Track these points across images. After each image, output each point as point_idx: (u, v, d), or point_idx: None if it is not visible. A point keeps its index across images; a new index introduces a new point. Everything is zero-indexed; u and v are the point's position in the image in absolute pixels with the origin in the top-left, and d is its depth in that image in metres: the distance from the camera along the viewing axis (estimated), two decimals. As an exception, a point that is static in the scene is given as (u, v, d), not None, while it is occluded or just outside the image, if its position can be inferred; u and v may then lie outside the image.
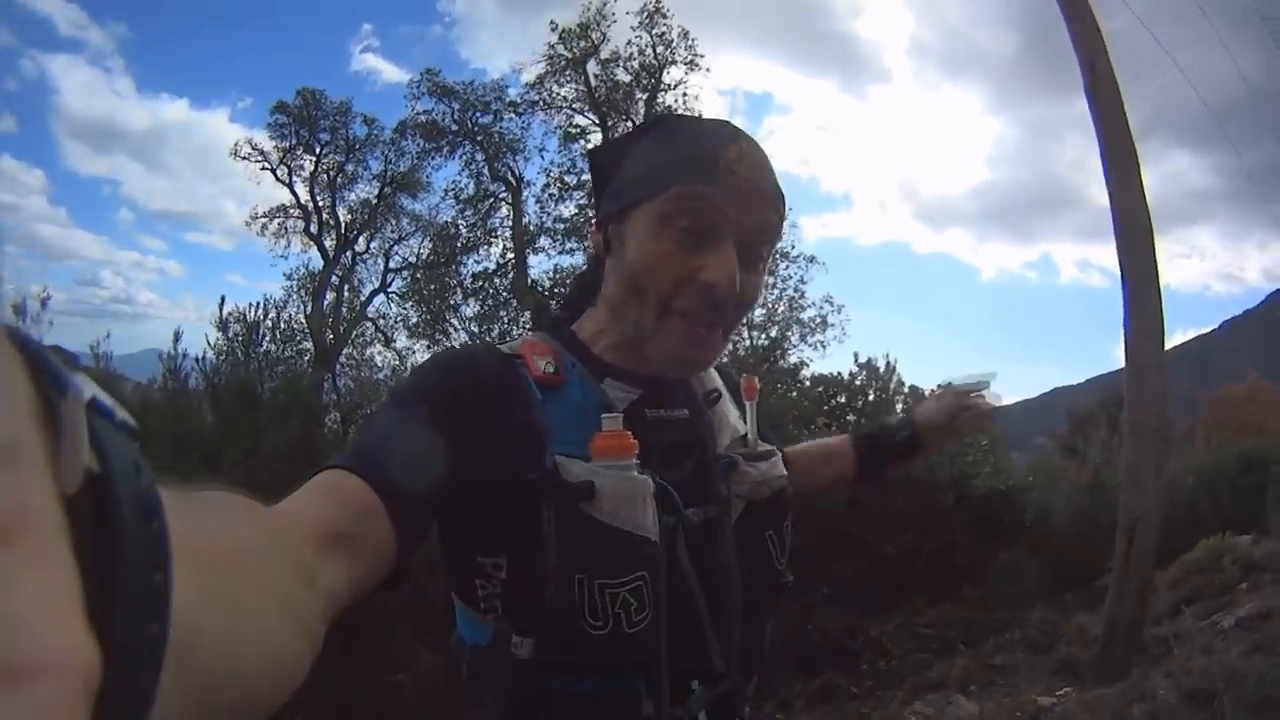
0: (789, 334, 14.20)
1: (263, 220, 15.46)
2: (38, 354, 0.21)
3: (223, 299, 6.24)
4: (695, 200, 0.79)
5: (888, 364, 8.90)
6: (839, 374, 8.90)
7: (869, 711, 5.01)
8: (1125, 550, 4.15)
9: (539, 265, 14.93)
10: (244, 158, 15.46)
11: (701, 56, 14.70)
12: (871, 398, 8.46)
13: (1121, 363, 4.43)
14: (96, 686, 0.19)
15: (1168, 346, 4.52)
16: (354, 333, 14.66)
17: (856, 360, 8.90)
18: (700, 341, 0.82)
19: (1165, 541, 4.36)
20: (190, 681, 0.27)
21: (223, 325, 6.04)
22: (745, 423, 0.93)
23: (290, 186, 15.52)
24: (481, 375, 0.80)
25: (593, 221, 0.93)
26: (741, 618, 0.82)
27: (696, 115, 0.89)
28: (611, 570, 0.72)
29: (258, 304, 6.41)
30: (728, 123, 0.85)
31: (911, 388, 8.91)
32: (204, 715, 0.30)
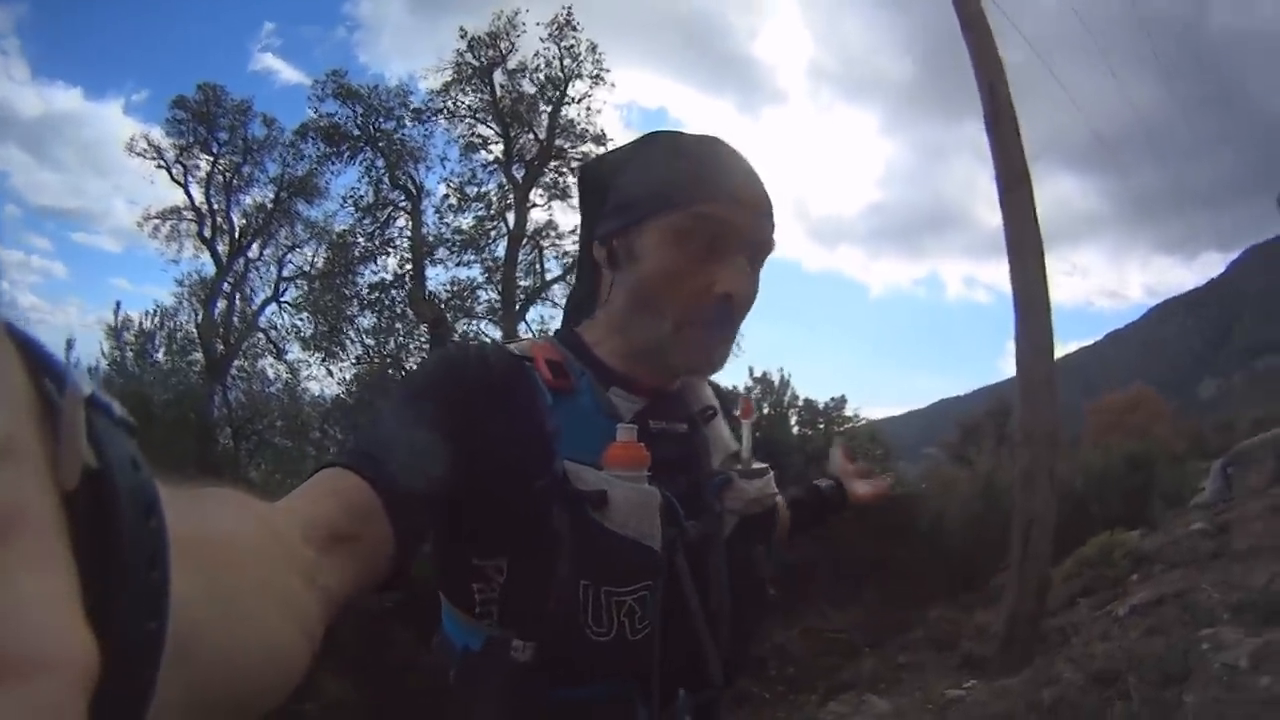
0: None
1: (155, 221, 14.78)
2: (36, 350, 0.21)
3: (118, 304, 5.89)
4: (707, 218, 0.81)
5: (781, 378, 9.19)
6: (734, 388, 9.11)
7: (785, 715, 5.13)
8: (1022, 549, 4.43)
9: (436, 277, 14.69)
10: (139, 154, 14.73)
11: (608, 71, 14.85)
12: (767, 410, 8.70)
13: (1007, 374, 4.74)
14: (95, 683, 0.19)
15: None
16: (245, 343, 13.97)
17: (751, 374, 9.16)
18: (715, 350, 0.86)
19: (1058, 539, 4.66)
20: (188, 678, 0.27)
21: (116, 333, 5.67)
22: (738, 441, 0.95)
23: (185, 187, 14.84)
24: (492, 373, 0.79)
25: (576, 236, 0.95)
26: (730, 629, 0.83)
27: (685, 131, 0.92)
28: (619, 579, 0.73)
29: (151, 312, 6.07)
30: (719, 139, 0.88)
31: (806, 401, 9.24)
32: (202, 712, 0.30)
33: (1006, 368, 4.74)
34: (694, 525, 0.81)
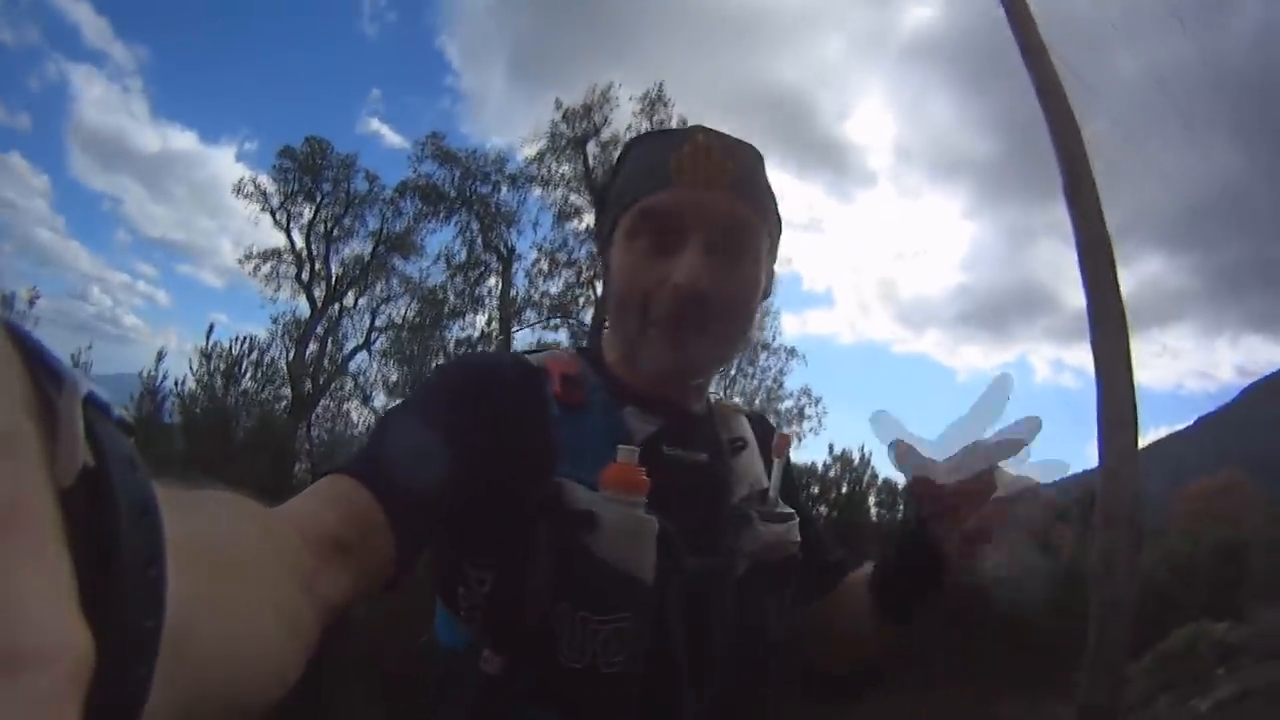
0: (764, 422, 14.32)
1: (256, 261, 15.45)
2: (34, 348, 0.21)
3: (211, 326, 6.25)
4: (650, 211, 0.81)
5: (862, 456, 8.87)
6: (813, 464, 8.85)
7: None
8: (1098, 637, 4.13)
9: (523, 338, 14.96)
10: (246, 195, 15.50)
11: (698, 147, 15.11)
12: (845, 489, 8.41)
13: (1095, 462, 4.48)
14: (90, 678, 0.19)
15: (1141, 444, 4.60)
16: (332, 386, 14.50)
17: (831, 451, 8.86)
18: (683, 347, 0.80)
19: (1140, 632, 4.34)
20: (182, 678, 0.27)
21: (206, 355, 6.02)
22: (768, 478, 0.89)
23: (288, 232, 15.57)
24: (501, 383, 0.78)
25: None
26: (727, 678, 0.77)
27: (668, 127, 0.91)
28: (598, 605, 0.70)
29: (243, 339, 6.42)
30: (695, 126, 0.85)
31: (885, 481, 8.89)
32: (194, 710, 0.29)
33: (1095, 455, 4.49)
34: (696, 562, 0.76)
